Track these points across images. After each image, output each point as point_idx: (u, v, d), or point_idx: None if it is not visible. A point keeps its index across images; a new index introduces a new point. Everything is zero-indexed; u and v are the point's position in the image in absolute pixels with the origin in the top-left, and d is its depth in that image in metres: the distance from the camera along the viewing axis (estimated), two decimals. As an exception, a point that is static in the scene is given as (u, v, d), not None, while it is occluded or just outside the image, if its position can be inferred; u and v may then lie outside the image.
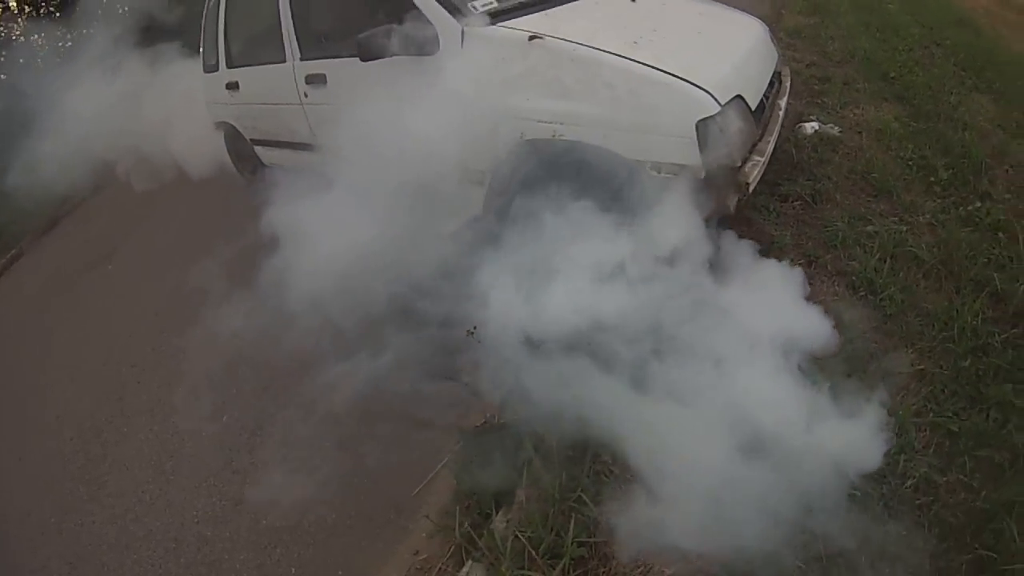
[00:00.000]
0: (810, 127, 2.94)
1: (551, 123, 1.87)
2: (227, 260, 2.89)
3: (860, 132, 3.06)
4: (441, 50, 2.07)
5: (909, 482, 1.51)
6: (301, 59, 2.76)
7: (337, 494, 1.87)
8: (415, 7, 2.09)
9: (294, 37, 2.78)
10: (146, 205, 4.81)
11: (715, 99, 1.77)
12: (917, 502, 1.49)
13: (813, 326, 1.70)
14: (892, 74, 3.96)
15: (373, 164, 2.21)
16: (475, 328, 1.81)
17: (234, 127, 3.78)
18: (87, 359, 3.15)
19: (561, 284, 1.74)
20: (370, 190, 2.21)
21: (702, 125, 1.74)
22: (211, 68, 3.77)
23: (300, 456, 2.04)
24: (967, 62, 4.69)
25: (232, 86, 3.52)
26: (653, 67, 1.78)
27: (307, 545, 1.84)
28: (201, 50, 3.97)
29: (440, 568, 1.60)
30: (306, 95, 2.79)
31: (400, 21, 2.09)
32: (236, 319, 2.43)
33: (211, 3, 3.75)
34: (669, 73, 1.78)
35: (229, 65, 3.53)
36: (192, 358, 2.74)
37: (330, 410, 2.08)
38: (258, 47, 3.20)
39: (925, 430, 1.65)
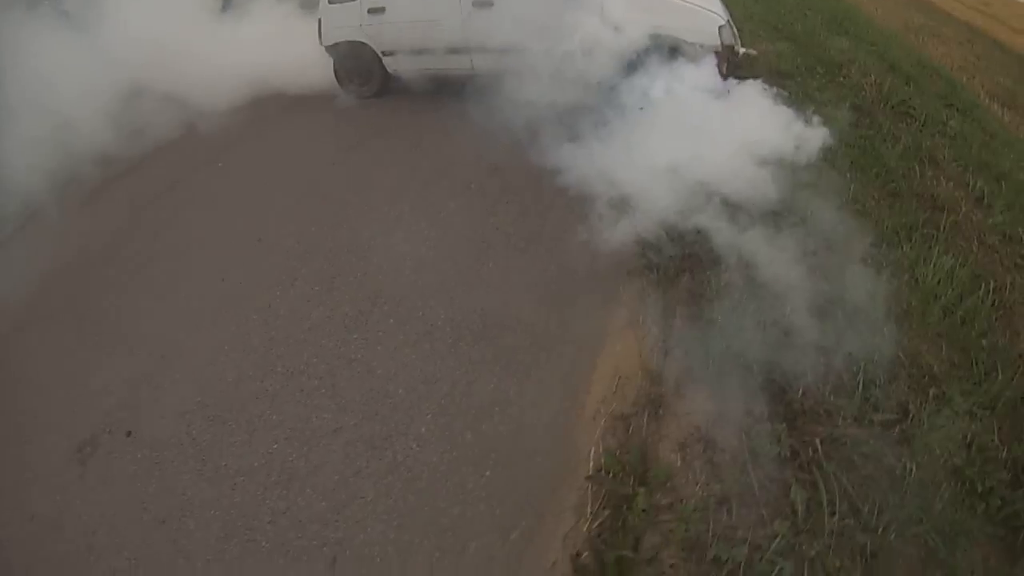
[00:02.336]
0: (741, 50, 5.62)
1: (653, 28, 4.34)
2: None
3: (766, 53, 5.84)
4: (594, -9, 4.44)
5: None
6: (470, -10, 4.88)
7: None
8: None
9: (461, -25, 4.87)
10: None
11: (723, 18, 4.36)
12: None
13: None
14: (780, 26, 6.86)
15: (523, 52, 4.49)
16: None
17: (363, 44, 5.52)
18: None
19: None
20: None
21: (720, 29, 4.33)
22: (343, -1, 5.59)
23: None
24: (831, 18, 7.80)
25: (376, 10, 5.33)
26: (700, 6, 4.38)
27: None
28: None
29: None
30: (469, 15, 4.90)
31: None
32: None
33: None
34: (706, 9, 4.38)
35: (376, -5, 5.40)
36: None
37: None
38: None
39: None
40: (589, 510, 2.12)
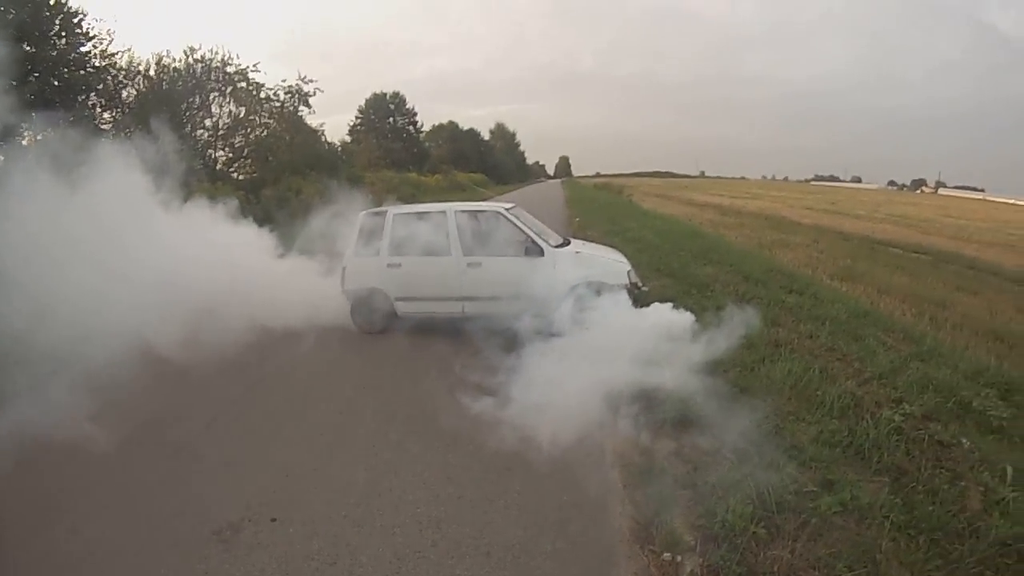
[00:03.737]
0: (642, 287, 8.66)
1: (586, 277, 7.21)
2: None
3: (655, 287, 8.88)
4: (544, 256, 7.35)
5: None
6: (463, 255, 7.56)
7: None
8: (537, 246, 7.39)
9: (459, 245, 7.56)
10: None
11: (629, 265, 7.50)
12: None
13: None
14: (661, 267, 10.13)
15: (502, 299, 7.21)
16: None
17: (380, 290, 7.71)
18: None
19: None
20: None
21: (628, 272, 7.38)
22: (368, 255, 7.66)
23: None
24: (699, 253, 11.30)
25: (394, 265, 7.64)
26: (614, 259, 7.56)
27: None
28: (353, 248, 7.80)
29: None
30: (464, 272, 7.49)
31: (530, 246, 7.36)
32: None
33: (368, 220, 7.89)
34: (617, 260, 7.56)
35: (392, 254, 7.65)
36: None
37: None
38: (423, 246, 7.53)
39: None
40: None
